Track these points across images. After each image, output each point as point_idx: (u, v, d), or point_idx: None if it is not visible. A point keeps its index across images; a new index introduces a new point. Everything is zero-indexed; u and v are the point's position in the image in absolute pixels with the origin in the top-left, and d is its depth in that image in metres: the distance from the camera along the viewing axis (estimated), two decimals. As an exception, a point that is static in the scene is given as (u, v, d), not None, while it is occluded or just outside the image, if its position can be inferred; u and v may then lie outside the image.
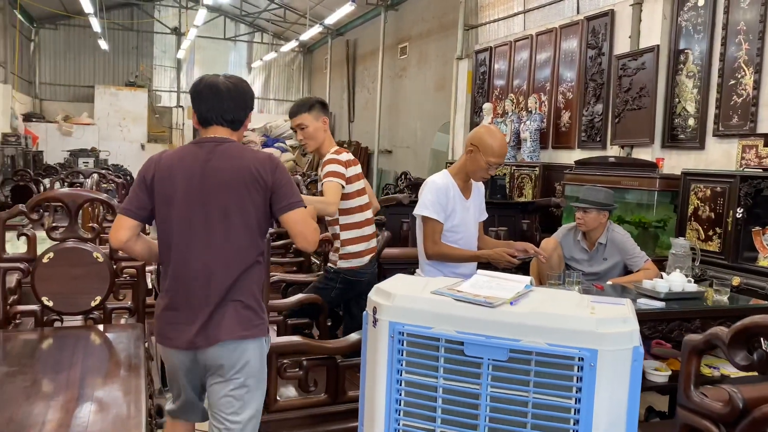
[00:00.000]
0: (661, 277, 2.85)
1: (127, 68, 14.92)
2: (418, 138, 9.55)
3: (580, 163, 5.10)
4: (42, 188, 7.29)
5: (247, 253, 1.89)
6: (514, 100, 6.51)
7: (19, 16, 12.17)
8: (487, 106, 6.74)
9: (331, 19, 10.12)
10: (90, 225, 2.94)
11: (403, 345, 1.40)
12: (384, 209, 4.59)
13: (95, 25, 10.79)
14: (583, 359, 1.27)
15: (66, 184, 7.11)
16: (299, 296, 2.91)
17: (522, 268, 3.56)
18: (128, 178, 10.28)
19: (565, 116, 5.99)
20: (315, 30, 11.33)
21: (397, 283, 1.57)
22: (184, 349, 1.91)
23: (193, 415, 2.09)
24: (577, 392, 1.28)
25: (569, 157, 5.75)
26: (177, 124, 14.95)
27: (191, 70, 15.77)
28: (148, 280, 3.13)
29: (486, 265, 2.76)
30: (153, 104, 14.99)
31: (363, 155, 11.42)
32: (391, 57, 10.45)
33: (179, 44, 14.65)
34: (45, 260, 2.83)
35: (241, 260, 1.88)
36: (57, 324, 2.86)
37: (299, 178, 6.06)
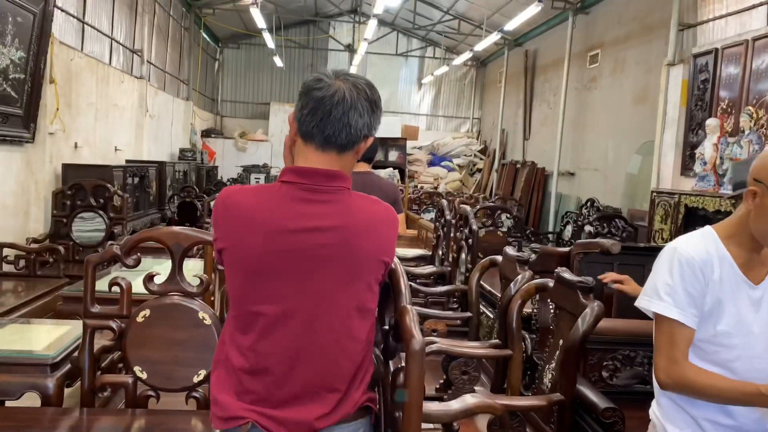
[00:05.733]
0: None
1: (301, 84, 15.10)
2: (609, 159, 8.17)
3: None
4: (204, 206, 7.13)
5: None
6: (754, 115, 5.02)
7: (204, 35, 12.71)
8: (711, 123, 5.30)
9: (511, 25, 9.08)
10: (198, 275, 2.24)
11: None
12: (582, 257, 3.48)
13: (269, 41, 10.83)
14: None
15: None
16: (468, 402, 1.96)
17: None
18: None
19: (834, 135, 4.42)
20: (491, 39, 10.37)
21: None
22: None
23: None
24: None
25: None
26: (345, 141, 14.81)
27: (362, 87, 15.60)
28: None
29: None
30: (324, 121, 15.00)
31: (539, 177, 10.23)
32: (578, 66, 9.19)
33: (352, 61, 14.51)
34: (140, 319, 2.17)
35: None
36: (152, 401, 2.20)
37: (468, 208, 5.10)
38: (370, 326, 1.38)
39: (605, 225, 6.64)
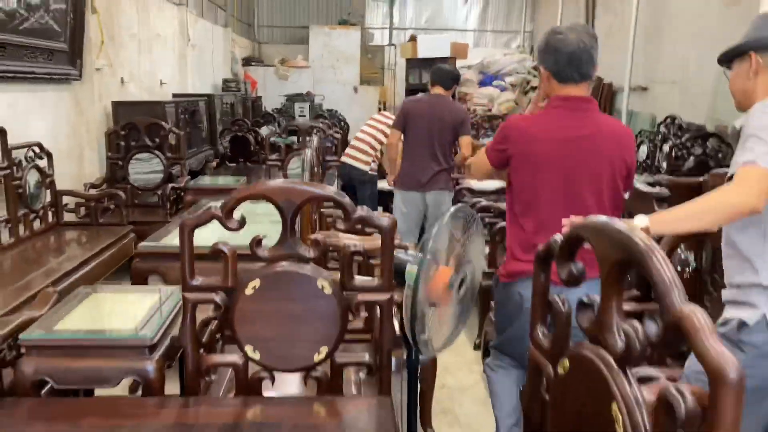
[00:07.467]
0: None
1: (340, 5, 14.26)
2: (690, 71, 7.41)
3: None
4: (259, 139, 6.76)
5: None
6: None
7: (238, -44, 11.93)
8: (840, 23, 4.58)
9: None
10: (311, 237, 1.86)
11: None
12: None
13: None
14: None
15: (284, 135, 6.43)
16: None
17: None
18: (344, 124, 9.56)
19: None
20: (552, -57, 9.41)
21: None
22: None
23: None
24: None
25: None
26: (389, 64, 14.06)
27: (404, 5, 14.70)
28: (396, 323, 2.02)
29: None
30: (365, 43, 14.24)
31: (606, 93, 9.49)
32: (652, -33, 8.26)
33: (393, -25, 13.57)
34: (249, 291, 1.82)
35: None
36: (266, 384, 1.88)
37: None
38: (612, 209, 2.04)
39: (693, 145, 6.05)
